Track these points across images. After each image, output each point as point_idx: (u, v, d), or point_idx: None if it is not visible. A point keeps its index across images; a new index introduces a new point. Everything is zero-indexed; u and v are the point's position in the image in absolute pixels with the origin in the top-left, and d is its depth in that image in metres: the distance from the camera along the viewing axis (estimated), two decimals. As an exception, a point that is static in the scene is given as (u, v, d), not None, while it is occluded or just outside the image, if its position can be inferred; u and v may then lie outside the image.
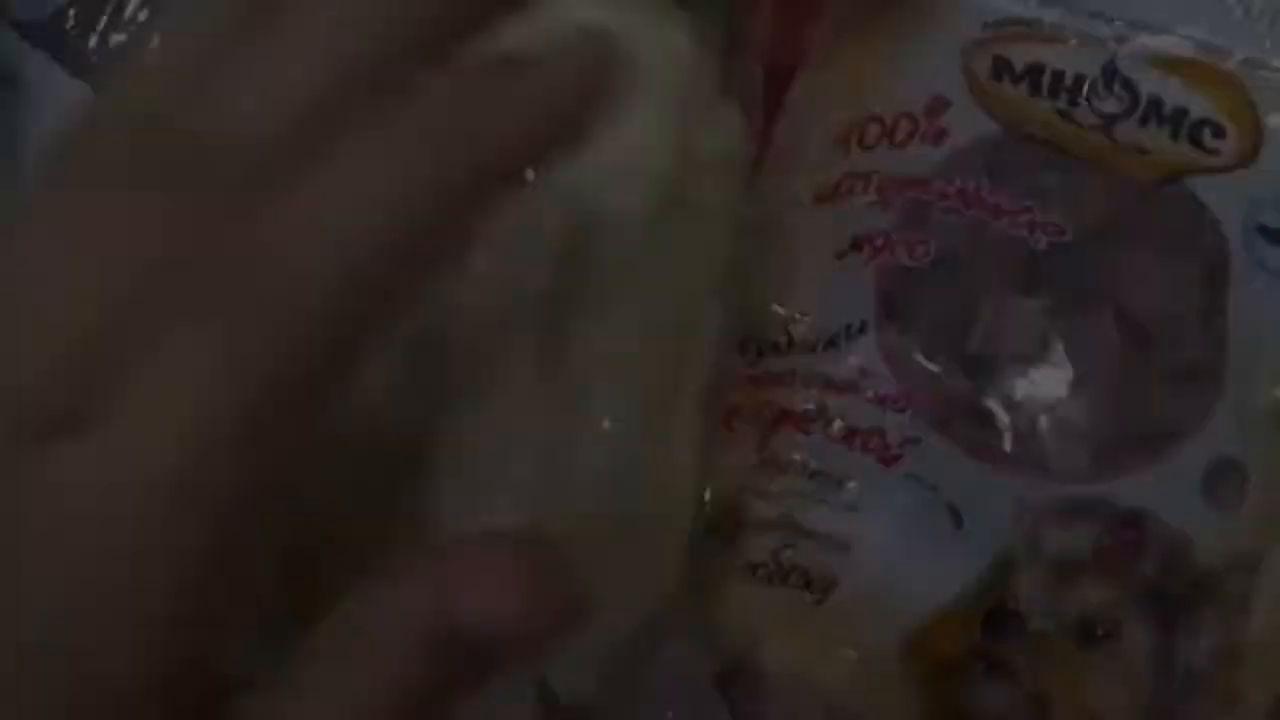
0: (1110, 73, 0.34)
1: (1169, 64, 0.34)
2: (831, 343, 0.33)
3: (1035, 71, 0.35)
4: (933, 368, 0.32)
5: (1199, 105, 0.34)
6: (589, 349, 0.28)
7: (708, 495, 0.32)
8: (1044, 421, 0.31)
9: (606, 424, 0.28)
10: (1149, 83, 0.34)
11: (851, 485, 0.32)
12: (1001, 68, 0.35)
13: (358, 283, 0.18)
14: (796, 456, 0.32)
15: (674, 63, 0.30)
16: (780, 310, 0.34)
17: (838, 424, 0.32)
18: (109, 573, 0.17)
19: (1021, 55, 0.35)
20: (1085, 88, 0.34)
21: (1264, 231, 0.32)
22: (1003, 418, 0.32)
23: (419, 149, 0.19)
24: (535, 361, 0.27)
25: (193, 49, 0.20)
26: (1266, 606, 0.31)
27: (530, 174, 0.20)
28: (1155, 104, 0.34)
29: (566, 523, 0.27)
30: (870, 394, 0.32)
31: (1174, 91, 0.34)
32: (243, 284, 0.17)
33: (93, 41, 0.41)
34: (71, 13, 0.40)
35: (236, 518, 0.18)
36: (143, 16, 0.40)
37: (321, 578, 0.23)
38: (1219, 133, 0.33)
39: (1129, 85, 0.34)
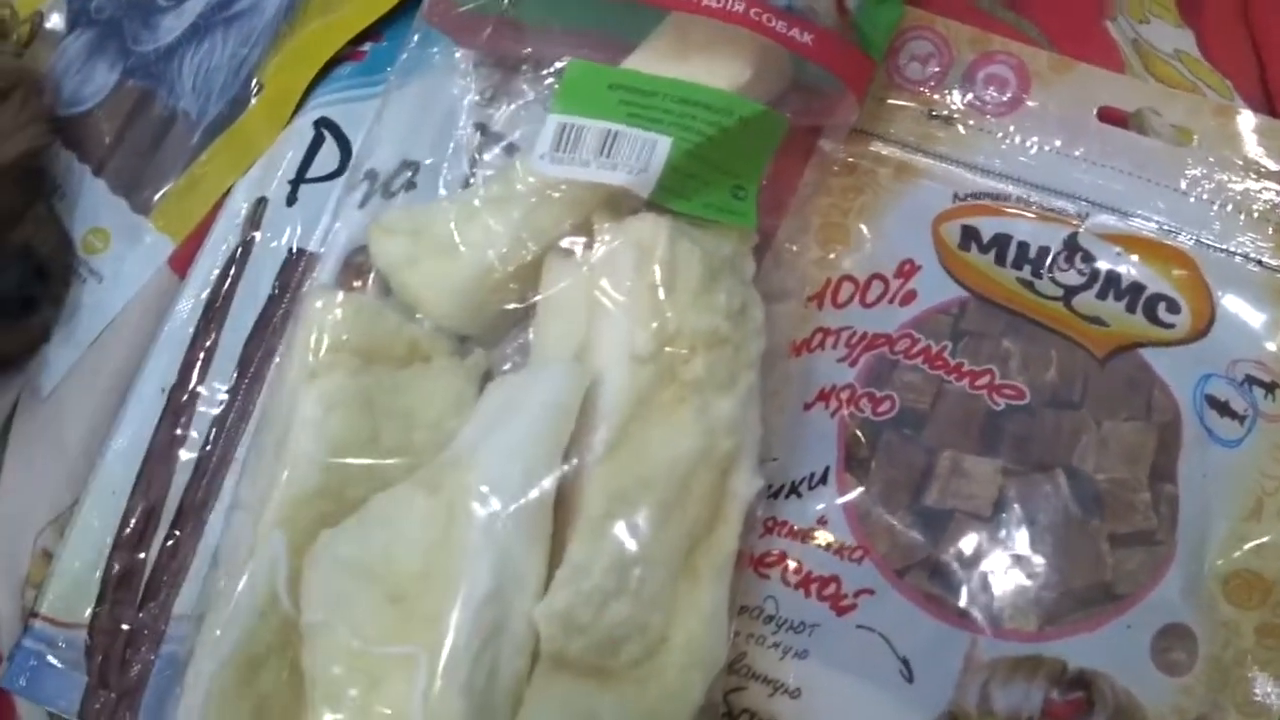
0: (1072, 247, 0.36)
1: (1128, 242, 0.36)
2: (794, 489, 0.34)
3: (1002, 241, 0.37)
4: (891, 520, 0.33)
5: (1155, 281, 0.36)
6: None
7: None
8: (997, 579, 0.32)
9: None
10: (1109, 258, 0.36)
11: (805, 632, 0.33)
12: (970, 236, 0.37)
13: None
14: (754, 600, 0.33)
15: (650, 262, 0.32)
16: (748, 455, 0.35)
17: (795, 570, 0.33)
18: None
19: (990, 226, 0.37)
20: (1048, 260, 0.36)
21: (1214, 402, 0.34)
22: (957, 573, 0.33)
23: None
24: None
25: None
26: (1215, 776, 0.31)
27: None
28: (1114, 278, 0.36)
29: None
30: (828, 543, 0.33)
31: (1132, 267, 0.36)
32: None
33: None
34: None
35: None
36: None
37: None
38: (1174, 308, 0.35)
39: (1089, 259, 0.36)
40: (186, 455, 0.40)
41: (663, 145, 0.33)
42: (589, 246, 0.34)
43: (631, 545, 0.30)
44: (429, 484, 0.31)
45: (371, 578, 0.30)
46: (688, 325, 0.31)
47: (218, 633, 0.32)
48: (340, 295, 0.34)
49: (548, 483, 0.30)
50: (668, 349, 0.31)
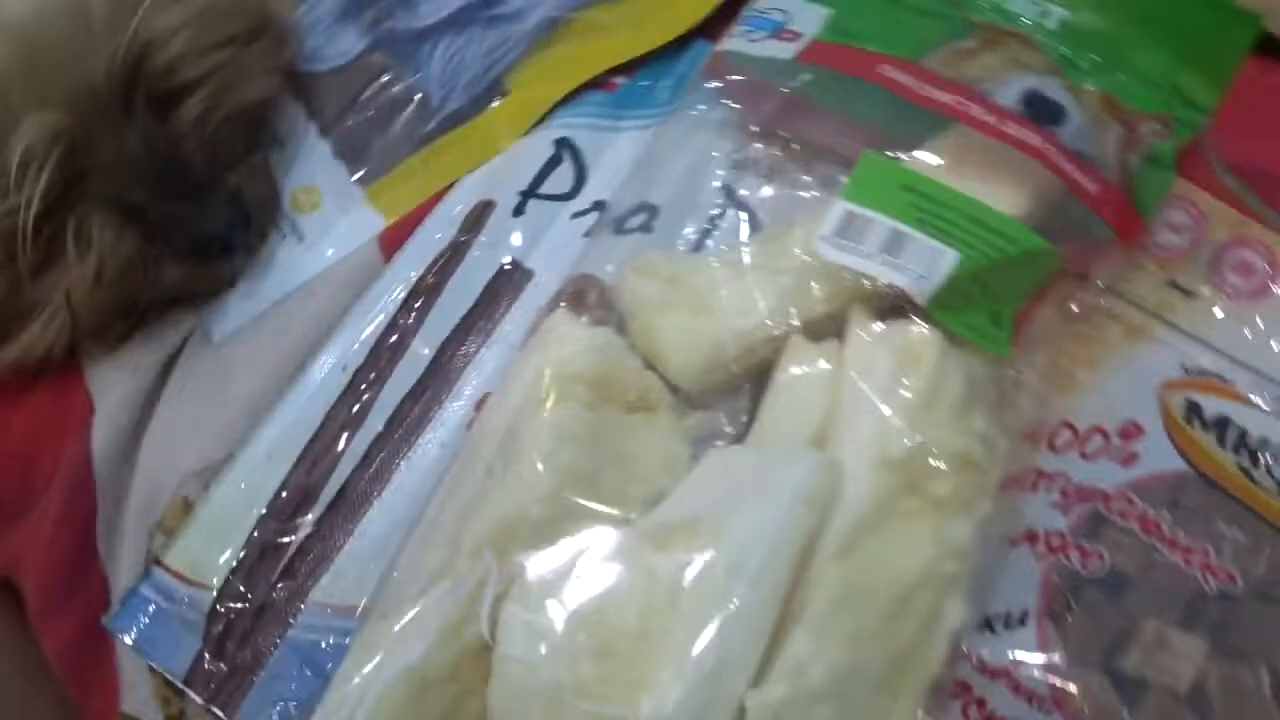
0: (1293, 444, 0.36)
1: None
2: (989, 625, 0.34)
3: (1222, 424, 0.37)
4: (1087, 678, 0.33)
5: (1370, 495, 0.36)
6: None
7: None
8: (1183, 761, 0.32)
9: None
10: (1328, 466, 0.36)
11: (983, 771, 0.32)
12: (1193, 411, 0.37)
13: None
14: (935, 726, 0.33)
15: (918, 371, 0.32)
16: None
17: (979, 706, 0.33)
18: None
19: (1214, 405, 0.37)
20: (1268, 453, 0.36)
21: None
22: (1144, 745, 0.32)
23: None
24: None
25: None
26: None
27: None
28: (1331, 487, 0.36)
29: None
30: (1019, 686, 0.33)
31: (1349, 479, 0.36)
32: None
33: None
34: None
35: None
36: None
37: None
38: (1387, 530, 0.35)
39: (1308, 460, 0.36)
40: (359, 441, 0.39)
41: (950, 258, 0.33)
42: (839, 334, 0.34)
43: (850, 652, 0.30)
44: (659, 539, 0.30)
45: (581, 625, 0.30)
46: (944, 442, 0.31)
47: (391, 639, 0.31)
48: (586, 325, 0.34)
49: (788, 572, 0.29)
50: (918, 461, 0.31)
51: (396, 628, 0.32)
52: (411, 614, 0.32)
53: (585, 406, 0.33)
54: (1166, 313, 0.38)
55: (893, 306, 0.34)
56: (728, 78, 0.38)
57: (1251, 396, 0.37)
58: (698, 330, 0.34)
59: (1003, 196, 0.35)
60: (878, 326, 0.33)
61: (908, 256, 0.33)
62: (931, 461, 0.31)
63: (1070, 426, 0.37)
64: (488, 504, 0.32)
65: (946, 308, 0.33)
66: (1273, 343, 0.38)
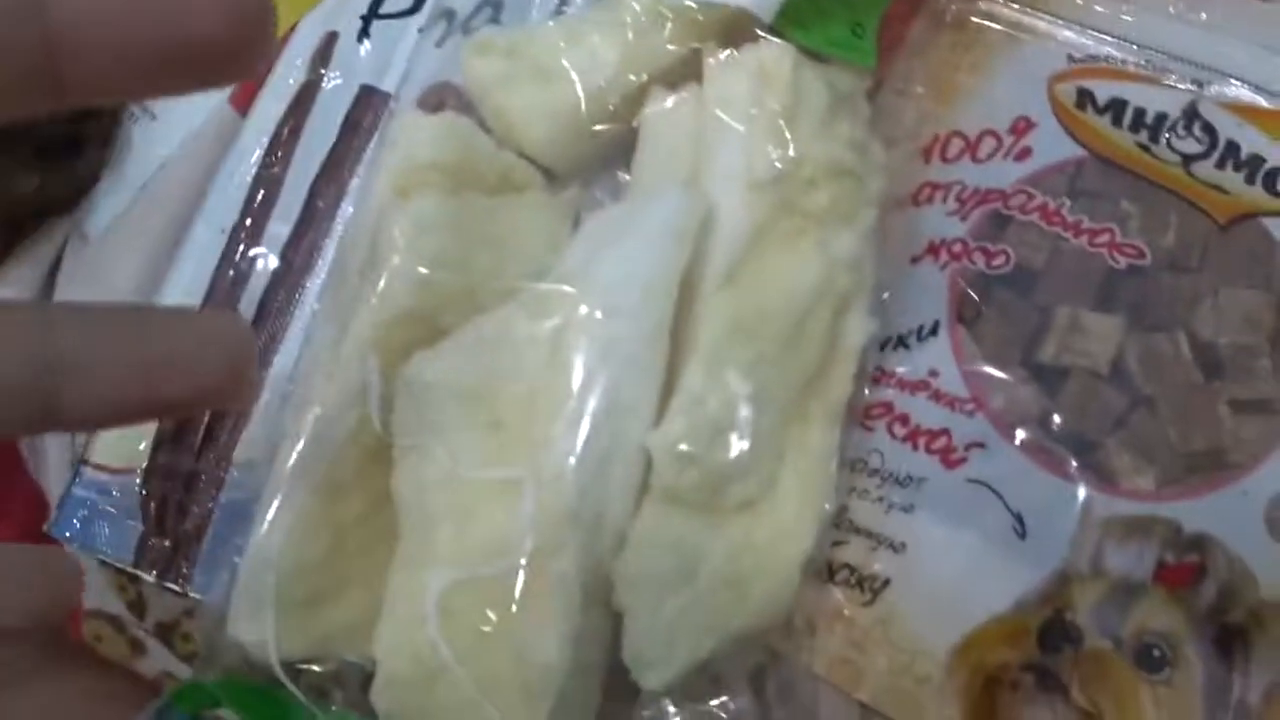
0: (1191, 115, 0.35)
1: (1248, 112, 0.35)
2: (902, 341, 0.33)
3: (1118, 105, 0.35)
4: (1003, 375, 0.32)
5: (1276, 154, 0.34)
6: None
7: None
8: (1114, 437, 0.31)
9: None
10: (1228, 128, 0.35)
11: (913, 485, 0.32)
12: (1086, 98, 0.35)
13: None
14: (858, 453, 0.32)
15: (774, 89, 0.30)
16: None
17: (903, 422, 0.32)
18: None
19: (1105, 90, 0.35)
20: (1166, 126, 0.35)
21: (1338, 274, 0.33)
22: (1073, 430, 0.31)
23: None
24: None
25: None
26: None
27: None
28: (1233, 148, 0.34)
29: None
30: (939, 394, 0.32)
31: (1251, 138, 0.34)
32: None
33: None
34: None
35: None
36: None
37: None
38: (1295, 180, 0.34)
39: (1209, 128, 0.35)
40: (248, 298, 0.38)
41: (789, -32, 0.31)
42: (697, 77, 0.32)
43: (748, 379, 0.29)
44: (533, 308, 0.29)
45: (471, 401, 0.29)
46: (811, 154, 0.30)
47: (292, 461, 0.31)
48: (431, 116, 0.32)
49: (667, 307, 0.28)
50: (789, 177, 0.30)
51: (298, 448, 0.31)
52: (309, 432, 0.31)
53: (444, 193, 0.31)
54: (1044, 4, 0.37)
55: (748, 37, 0.32)
56: None
57: (1142, 75, 0.36)
58: (547, 100, 0.32)
59: (845, -96, 0.33)
60: (731, 54, 0.31)
61: (745, -26, 0.31)
62: (803, 175, 0.30)
63: (960, 135, 0.35)
64: (361, 305, 0.31)
65: (798, 24, 0.32)
66: (1153, 14, 0.36)
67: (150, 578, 0.37)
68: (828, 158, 0.30)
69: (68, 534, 0.37)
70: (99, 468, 0.38)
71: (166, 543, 0.37)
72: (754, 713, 0.31)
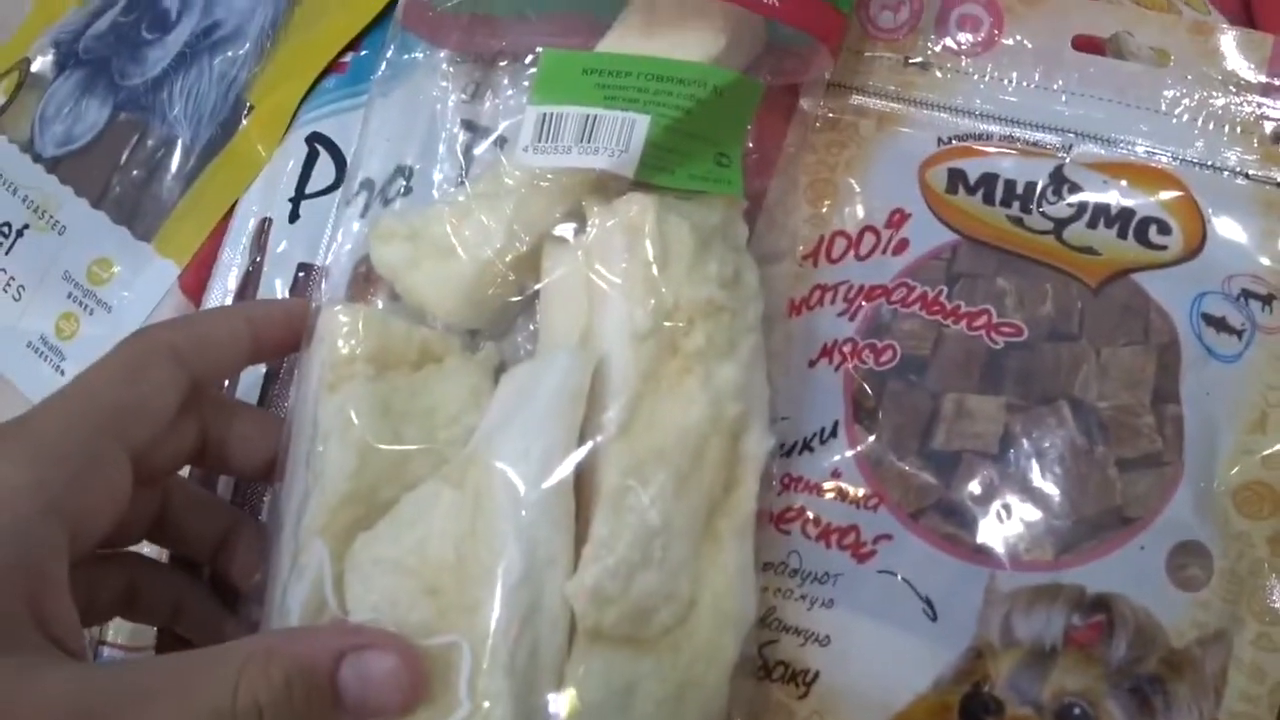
0: (1059, 179, 0.37)
1: (1114, 168, 0.36)
2: (807, 445, 0.35)
3: (989, 181, 0.37)
4: (902, 466, 0.34)
5: (1145, 205, 0.36)
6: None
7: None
8: (1011, 513, 0.33)
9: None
10: (1096, 186, 0.36)
11: (830, 582, 0.34)
12: (957, 179, 0.37)
13: None
14: (778, 556, 0.34)
15: (640, 241, 0.33)
16: (759, 417, 0.36)
17: (815, 523, 0.34)
18: None
19: (976, 167, 0.37)
20: (1036, 194, 0.36)
21: (1210, 320, 0.34)
22: (971, 511, 0.33)
23: None
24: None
25: None
26: (1240, 683, 0.32)
27: None
28: (1102, 207, 0.36)
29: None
30: (843, 493, 0.34)
31: (1120, 193, 0.36)
32: None
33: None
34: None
35: None
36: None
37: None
38: (1165, 229, 0.35)
39: (1076, 189, 0.36)
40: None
41: (641, 124, 0.33)
42: (582, 232, 0.35)
43: (652, 516, 0.31)
44: (453, 479, 0.32)
45: (408, 573, 0.32)
46: (684, 298, 0.32)
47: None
48: (347, 308, 0.35)
49: (566, 463, 0.31)
50: (666, 323, 0.32)
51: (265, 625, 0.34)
52: (274, 614, 0.34)
53: (367, 380, 0.34)
54: (909, 92, 0.39)
55: (621, 189, 0.34)
56: (420, 18, 0.39)
57: (1008, 148, 0.37)
58: (449, 274, 0.35)
59: (695, 44, 0.35)
60: (603, 210, 0.34)
61: (601, 138, 0.33)
62: (678, 320, 0.32)
63: (843, 234, 0.38)
64: (309, 493, 0.34)
65: (660, 170, 0.34)
66: (1011, 86, 0.38)
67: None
68: (700, 299, 0.32)
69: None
70: (115, 646, 0.42)
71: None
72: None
